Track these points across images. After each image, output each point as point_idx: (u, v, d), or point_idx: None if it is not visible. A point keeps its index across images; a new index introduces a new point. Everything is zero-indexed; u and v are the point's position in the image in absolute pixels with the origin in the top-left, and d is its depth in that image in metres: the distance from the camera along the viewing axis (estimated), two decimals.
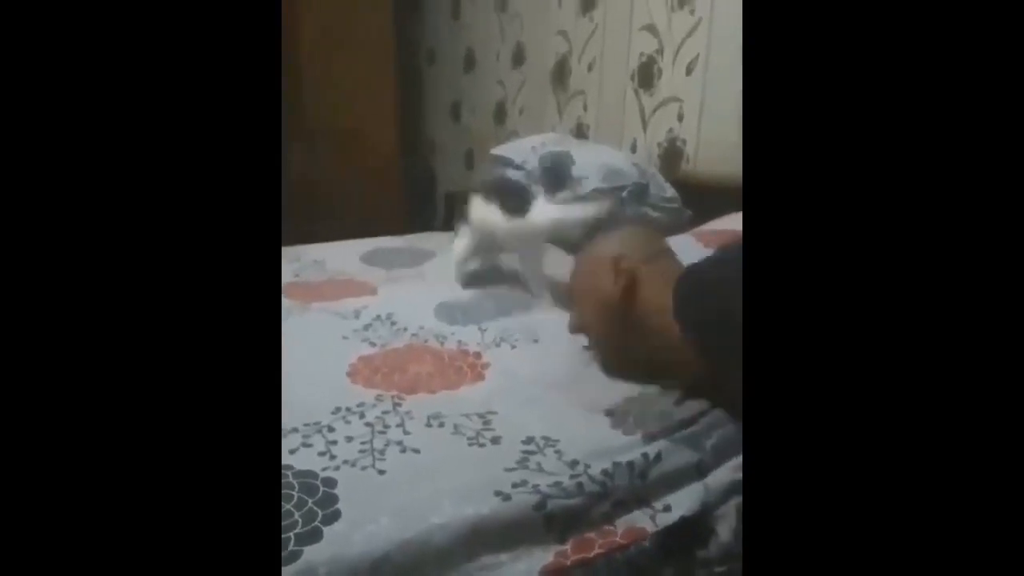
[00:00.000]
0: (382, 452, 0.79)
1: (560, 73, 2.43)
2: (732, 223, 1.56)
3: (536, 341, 1.14)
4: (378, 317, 1.26)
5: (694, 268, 0.97)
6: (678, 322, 0.89)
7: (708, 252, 1.41)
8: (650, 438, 0.82)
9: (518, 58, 2.66)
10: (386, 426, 0.84)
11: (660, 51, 2.00)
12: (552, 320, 1.24)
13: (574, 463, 0.77)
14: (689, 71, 1.92)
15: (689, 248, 1.46)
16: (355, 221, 2.38)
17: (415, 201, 3.23)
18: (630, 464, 0.77)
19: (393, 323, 1.23)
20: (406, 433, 0.83)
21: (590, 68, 2.29)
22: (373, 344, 1.13)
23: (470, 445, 0.81)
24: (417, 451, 0.79)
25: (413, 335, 1.18)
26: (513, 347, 1.12)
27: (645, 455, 0.78)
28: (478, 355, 1.09)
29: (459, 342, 1.14)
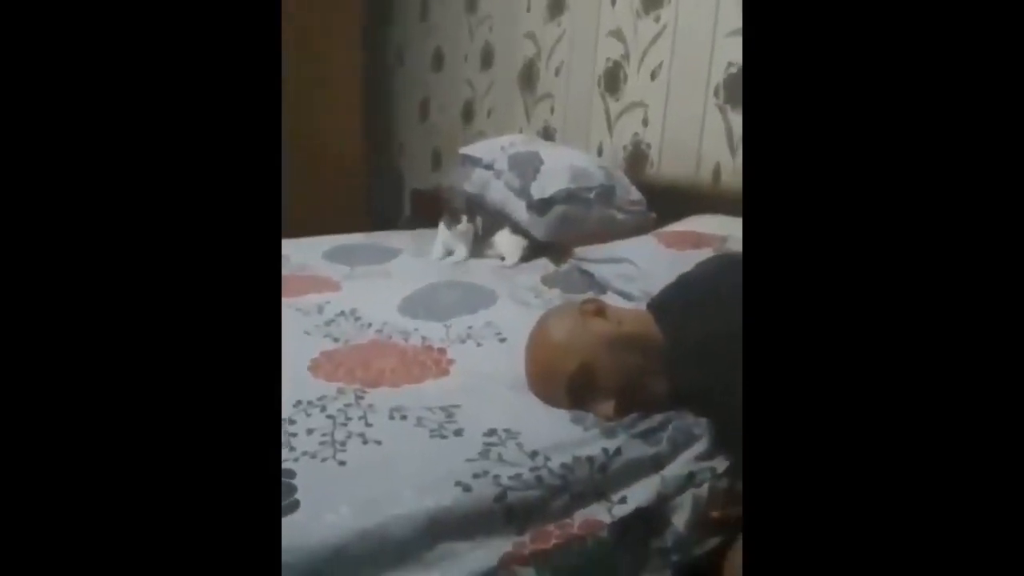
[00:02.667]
0: (343, 444, 0.78)
1: (528, 76, 2.45)
2: (693, 225, 1.60)
3: (502, 340, 1.15)
4: (341, 313, 1.25)
5: (664, 292, 0.99)
6: (663, 335, 0.91)
7: (670, 252, 1.46)
8: (610, 433, 0.83)
9: (487, 60, 2.67)
10: (348, 418, 0.84)
11: (626, 56, 2.04)
12: (518, 319, 1.25)
13: (534, 454, 0.78)
14: (654, 76, 1.95)
15: (653, 249, 1.49)
16: (320, 218, 2.36)
17: (381, 199, 3.21)
18: (590, 459, 0.78)
19: (357, 318, 1.23)
20: (368, 425, 0.83)
21: (557, 72, 2.32)
22: (336, 339, 1.13)
23: (432, 437, 0.81)
24: (379, 443, 0.79)
25: (377, 331, 1.18)
26: (479, 345, 1.13)
27: (605, 450, 0.80)
28: (442, 351, 1.09)
29: (423, 338, 1.14)
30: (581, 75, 2.21)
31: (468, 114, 2.81)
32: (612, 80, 2.09)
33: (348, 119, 2.95)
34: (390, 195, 3.29)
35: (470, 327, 1.20)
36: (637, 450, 0.81)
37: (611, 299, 1.46)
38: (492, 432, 0.82)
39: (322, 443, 0.78)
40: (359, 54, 2.93)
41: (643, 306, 1.37)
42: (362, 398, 0.90)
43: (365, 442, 0.79)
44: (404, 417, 0.85)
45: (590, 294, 1.48)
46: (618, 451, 0.80)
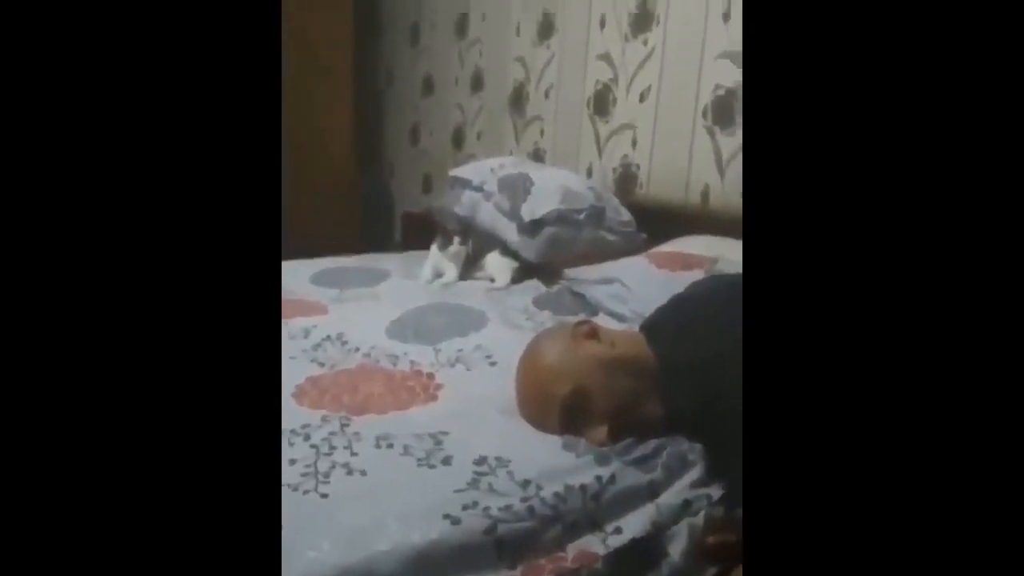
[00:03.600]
0: (326, 475, 0.75)
1: (518, 99, 2.46)
2: (683, 246, 1.59)
3: (493, 363, 1.12)
4: (328, 337, 1.22)
5: (656, 313, 0.97)
6: (655, 357, 0.89)
7: (662, 273, 1.44)
8: (603, 459, 0.81)
9: (476, 83, 2.68)
10: (332, 447, 0.81)
11: (615, 79, 2.05)
12: (509, 341, 1.23)
13: (526, 483, 0.75)
14: (642, 99, 1.96)
15: (644, 270, 1.48)
16: (309, 241, 2.34)
17: (371, 222, 3.20)
18: (583, 487, 0.76)
19: (344, 343, 1.20)
20: (353, 454, 0.80)
21: (547, 95, 2.32)
22: (322, 364, 1.10)
23: (419, 466, 0.78)
24: (364, 473, 0.76)
25: (364, 355, 1.15)
26: (469, 369, 1.11)
27: (599, 477, 0.77)
28: (431, 376, 1.07)
29: (412, 363, 1.12)
30: (570, 98, 2.22)
31: (458, 138, 2.81)
32: (601, 102, 2.10)
33: (339, 142, 2.94)
34: (380, 218, 3.27)
35: (460, 350, 1.18)
36: (631, 477, 0.79)
37: (603, 320, 1.45)
38: (482, 460, 0.80)
39: (304, 474, 0.75)
40: (350, 78, 2.94)
41: (636, 327, 1.37)
42: (347, 426, 0.87)
43: (349, 472, 0.76)
44: (390, 445, 0.82)
45: (582, 316, 1.47)
46: (612, 479, 0.78)
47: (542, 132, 2.36)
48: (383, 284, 1.66)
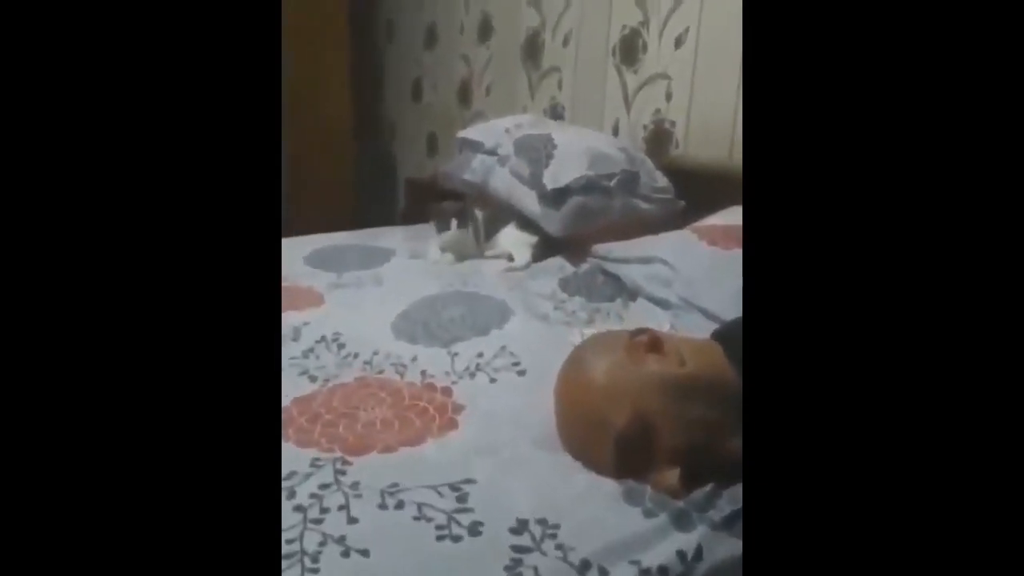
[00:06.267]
0: (315, 556, 0.56)
1: (532, 48, 2.21)
2: (735, 217, 1.37)
3: (521, 372, 0.92)
4: (322, 339, 1.02)
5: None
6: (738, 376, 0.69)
7: (713, 251, 1.23)
8: (683, 521, 0.61)
9: (484, 31, 2.42)
10: (324, 510, 0.62)
11: (645, 23, 1.79)
12: (537, 340, 1.03)
13: (585, 567, 0.56)
14: (678, 45, 1.72)
15: (690, 247, 1.27)
16: (303, 214, 2.12)
17: (371, 191, 2.96)
18: (663, 570, 0.56)
19: (341, 346, 1.00)
20: (351, 521, 0.61)
21: (565, 42, 2.08)
22: (314, 378, 0.90)
23: (440, 539, 0.59)
24: (365, 553, 0.57)
25: (365, 363, 0.95)
26: (492, 380, 0.90)
27: (681, 554, 0.57)
28: (447, 391, 0.87)
29: (423, 372, 0.92)
30: (593, 45, 1.97)
31: (465, 93, 2.56)
32: (629, 50, 1.85)
33: (335, 102, 2.71)
34: (381, 186, 3.04)
35: (480, 354, 0.98)
36: (725, 547, 0.59)
37: (642, 306, 1.25)
38: (522, 526, 0.60)
39: (287, 554, 0.56)
40: (347, 30, 2.69)
41: (682, 316, 1.16)
42: (344, 473, 0.68)
43: (346, 553, 0.57)
44: (400, 505, 0.63)
45: (618, 302, 1.27)
46: (698, 552, 0.58)
47: (560, 85, 2.12)
48: (386, 265, 1.46)
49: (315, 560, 0.56)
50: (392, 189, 3.02)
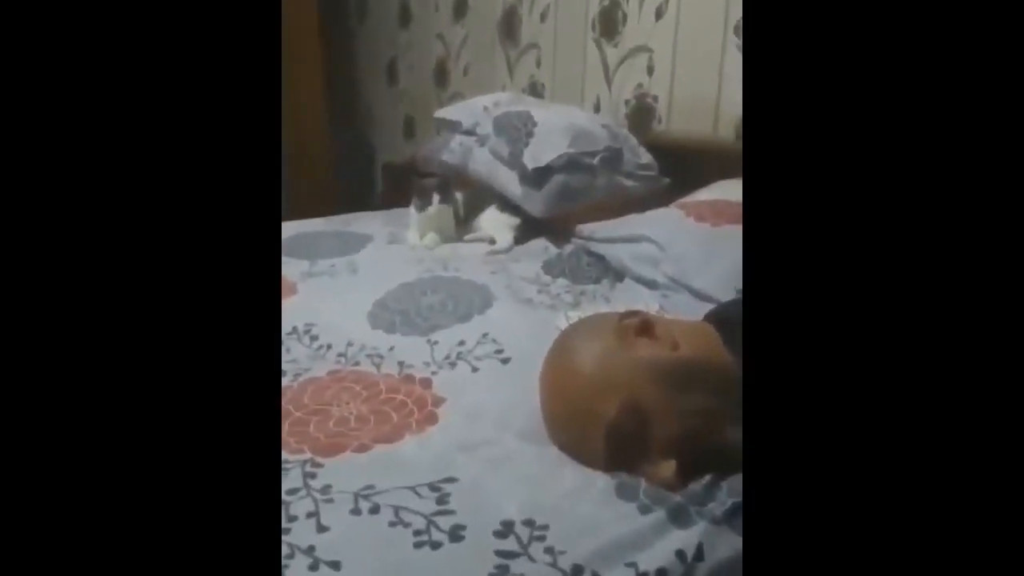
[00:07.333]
0: (283, 567, 0.51)
1: (509, 24, 2.14)
2: (722, 192, 1.32)
3: (505, 360, 0.87)
4: (293, 331, 0.97)
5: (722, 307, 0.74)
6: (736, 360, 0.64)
7: (703, 228, 1.18)
8: (680, 516, 0.57)
9: (460, 9, 2.34)
10: (292, 518, 0.57)
11: None
12: (521, 324, 0.98)
13: (577, 572, 0.51)
14: (659, 16, 1.66)
15: (678, 224, 1.22)
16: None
17: (347, 175, 2.88)
18: (661, 572, 0.51)
19: (313, 338, 0.95)
20: (321, 528, 0.56)
21: (543, 17, 2.01)
22: (283, 373, 0.85)
23: (418, 546, 0.54)
24: (335, 566, 0.52)
25: (339, 355, 0.90)
26: (475, 369, 0.85)
27: (681, 553, 0.53)
28: (427, 383, 0.82)
29: (401, 363, 0.87)
30: (571, 19, 1.91)
31: (442, 74, 2.49)
32: (609, 22, 1.79)
33: (307, 86, 2.62)
34: (358, 170, 2.95)
35: (461, 342, 0.93)
36: (727, 544, 0.55)
37: (629, 287, 1.21)
38: (507, 528, 0.55)
39: None
40: (315, 14, 2.59)
41: (670, 295, 1.12)
42: (314, 476, 0.63)
43: (315, 566, 0.52)
44: (375, 509, 0.58)
45: (605, 283, 1.22)
46: (698, 551, 0.53)
47: (539, 62, 2.05)
48: (363, 251, 1.40)
49: (282, 570, 0.50)
50: (369, 174, 2.94)
